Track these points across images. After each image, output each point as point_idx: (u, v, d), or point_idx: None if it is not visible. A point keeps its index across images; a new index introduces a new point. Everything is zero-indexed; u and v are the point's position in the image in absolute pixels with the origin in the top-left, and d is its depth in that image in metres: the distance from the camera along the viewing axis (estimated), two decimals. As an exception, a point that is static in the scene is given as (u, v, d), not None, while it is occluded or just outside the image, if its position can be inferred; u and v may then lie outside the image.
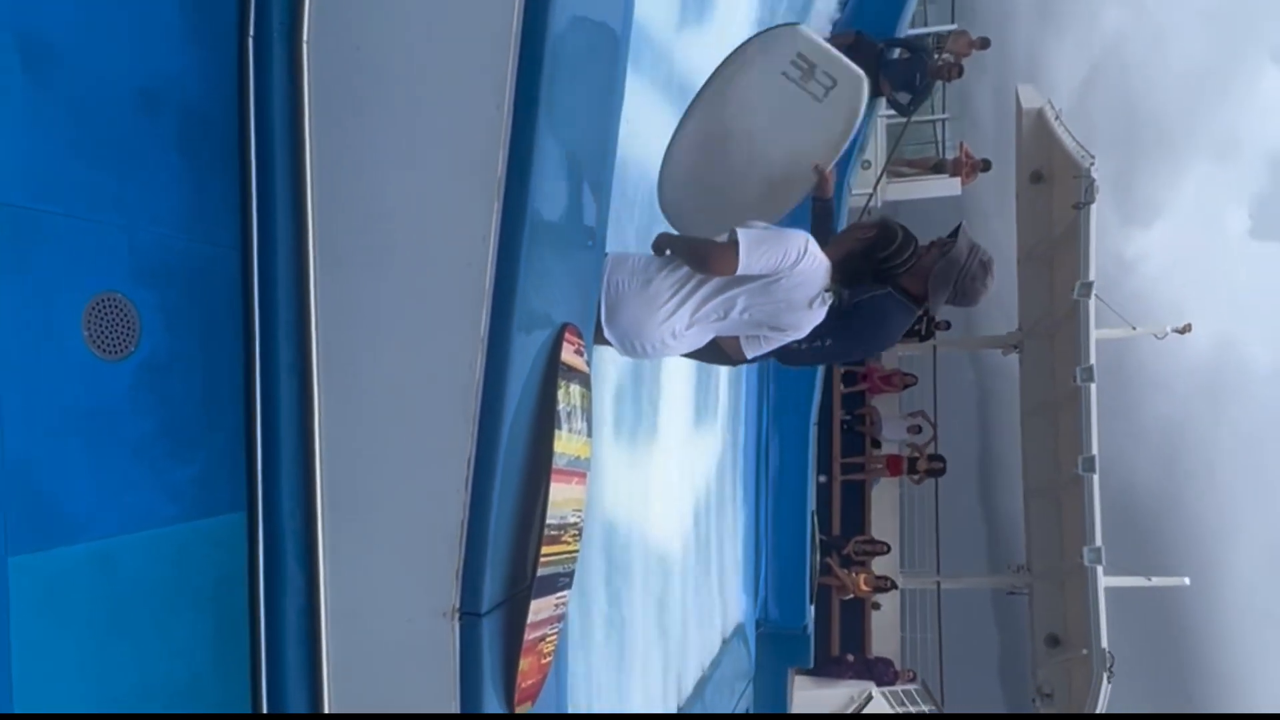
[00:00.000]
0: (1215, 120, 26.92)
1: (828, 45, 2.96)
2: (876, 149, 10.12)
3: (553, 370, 2.08)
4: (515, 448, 1.99)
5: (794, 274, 2.61)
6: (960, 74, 8.37)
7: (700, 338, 2.84)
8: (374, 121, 1.93)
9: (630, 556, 4.85)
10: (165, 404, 1.76)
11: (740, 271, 2.58)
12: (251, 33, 1.91)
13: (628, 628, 4.83)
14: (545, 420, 2.05)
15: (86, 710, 1.57)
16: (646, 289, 2.73)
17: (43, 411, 1.51)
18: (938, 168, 11.13)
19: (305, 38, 1.91)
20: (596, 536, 4.33)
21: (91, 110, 1.62)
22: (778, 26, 3.00)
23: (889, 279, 2.80)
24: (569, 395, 2.15)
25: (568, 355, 2.14)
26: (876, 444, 12.21)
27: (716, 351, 2.93)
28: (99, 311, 1.61)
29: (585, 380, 2.27)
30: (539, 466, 2.05)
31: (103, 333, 1.61)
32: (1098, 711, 9.76)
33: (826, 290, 2.72)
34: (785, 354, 2.87)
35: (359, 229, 1.95)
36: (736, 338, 2.84)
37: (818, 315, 2.75)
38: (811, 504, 8.09)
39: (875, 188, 9.64)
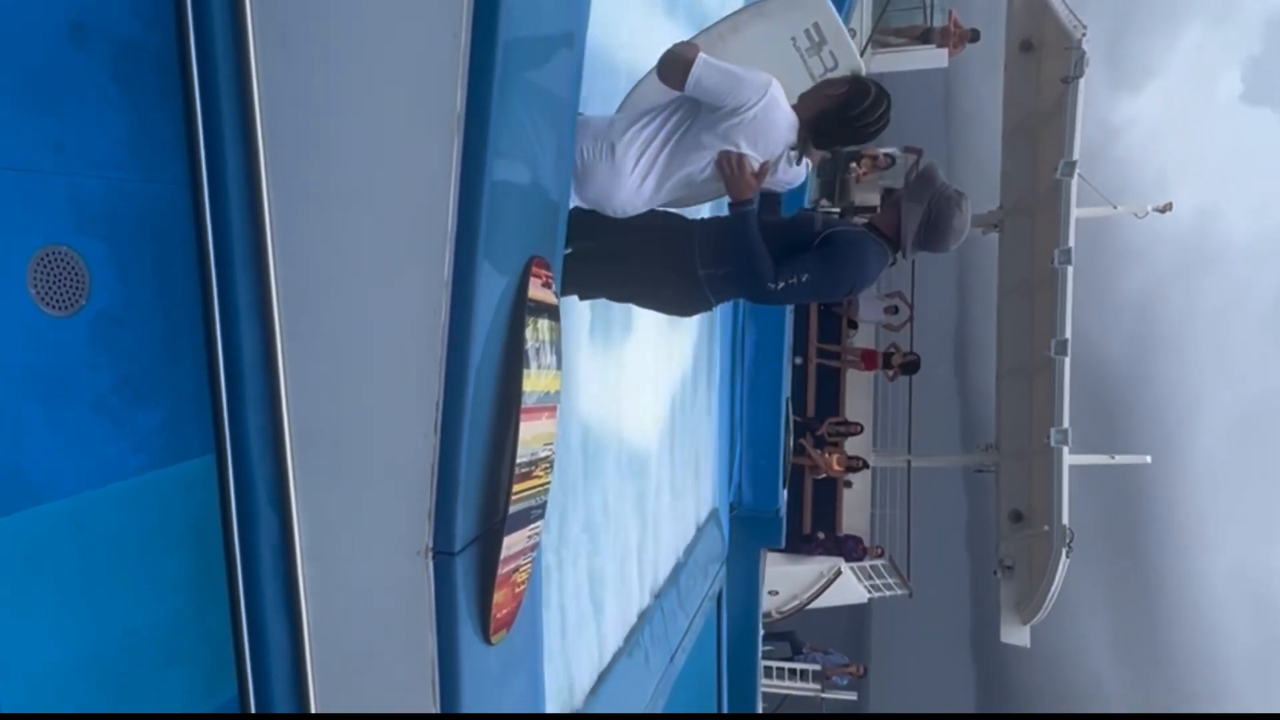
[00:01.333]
0: (1216, -21, 26.18)
1: (845, 30, 2.92)
2: (862, 15, 9.78)
3: (520, 308, 2.07)
4: (484, 389, 2.00)
5: (752, 117, 2.59)
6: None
7: (675, 192, 2.84)
8: (324, 47, 1.85)
9: (605, 448, 4.94)
10: (123, 354, 1.74)
11: (688, 89, 2.59)
12: (187, -51, 1.80)
13: (603, 518, 4.98)
14: (513, 360, 2.06)
15: (75, 684, 1.62)
16: (612, 158, 2.73)
17: (-6, 376, 1.50)
18: (925, 37, 10.81)
19: (246, -46, 1.80)
20: (573, 432, 4.40)
21: (17, 49, 1.53)
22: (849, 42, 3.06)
23: (861, 138, 2.79)
24: (537, 331, 2.15)
25: (535, 290, 2.13)
26: (853, 325, 12.33)
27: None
28: (44, 267, 1.57)
29: (554, 313, 2.26)
30: (508, 406, 2.06)
31: (50, 289, 1.58)
32: (1054, 584, 10.30)
33: (792, 148, 2.71)
34: (758, 293, 2.83)
35: (314, 162, 1.89)
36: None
37: (785, 175, 2.75)
38: (787, 390, 8.22)
39: (860, 57, 9.38)
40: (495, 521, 2.07)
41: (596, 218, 2.85)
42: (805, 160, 2.76)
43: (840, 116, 2.69)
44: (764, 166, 2.68)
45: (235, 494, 1.97)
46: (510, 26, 1.84)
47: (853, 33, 9.61)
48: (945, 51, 10.79)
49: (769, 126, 2.62)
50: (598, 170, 2.72)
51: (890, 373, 12.04)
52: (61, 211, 1.62)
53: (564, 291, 2.38)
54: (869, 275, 2.88)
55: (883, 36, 10.72)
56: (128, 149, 1.74)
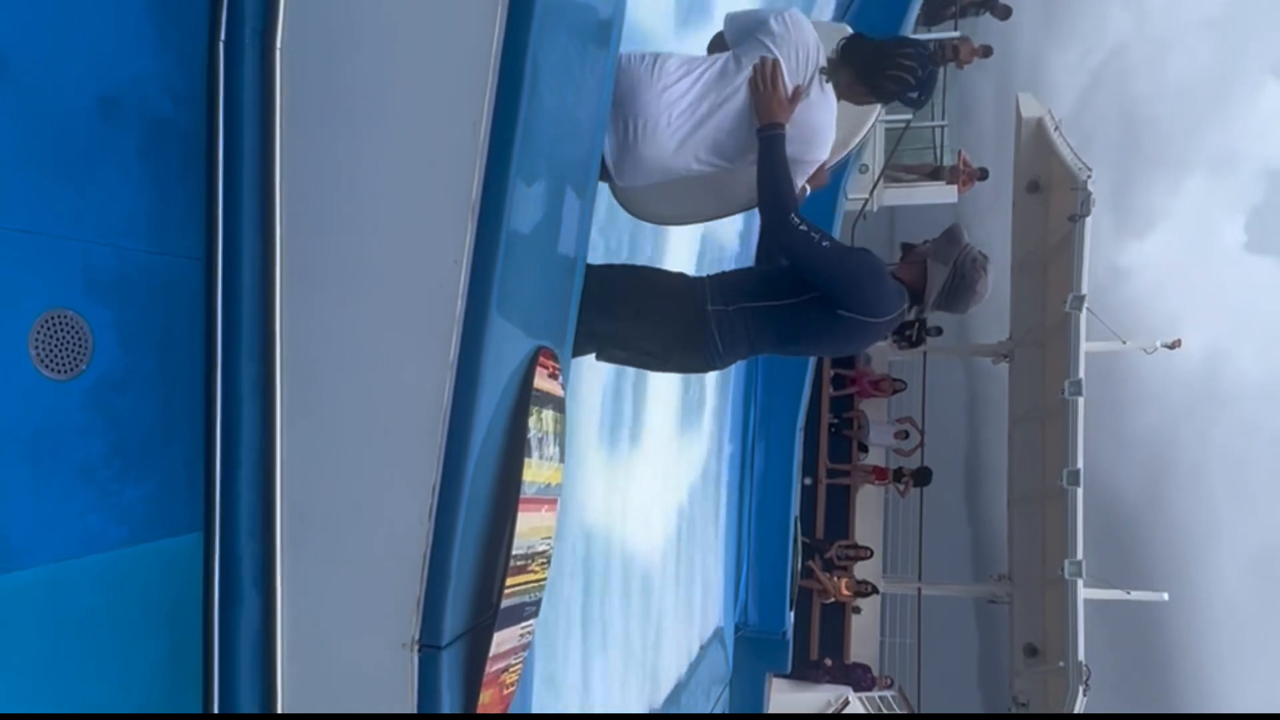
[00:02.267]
0: (1214, 132, 26.95)
1: None
2: (875, 153, 10.05)
3: (525, 396, 2.02)
4: (483, 476, 1.94)
5: (782, 30, 2.63)
6: (955, 55, 8.28)
7: (709, 138, 2.70)
8: (347, 134, 1.87)
9: (609, 559, 4.81)
10: (117, 423, 1.69)
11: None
12: (223, 36, 1.84)
13: (603, 630, 4.79)
14: (515, 448, 1.99)
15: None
16: (654, 69, 2.69)
17: (-17, 434, 1.45)
18: (935, 174, 11.08)
19: (279, 43, 1.84)
20: (576, 539, 4.29)
21: (47, 119, 1.55)
22: (836, 23, 3.08)
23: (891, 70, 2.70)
24: (541, 421, 2.09)
25: (541, 380, 2.08)
26: (864, 448, 12.19)
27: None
28: (48, 329, 1.54)
29: (559, 404, 2.21)
30: (507, 496, 1.99)
31: (51, 351, 1.55)
32: (1072, 724, 9.80)
33: (822, 71, 2.68)
34: (778, 230, 2.63)
35: (328, 244, 1.89)
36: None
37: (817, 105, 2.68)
38: (795, 509, 8.06)
39: (872, 192, 9.59)
40: (486, 616, 1.97)
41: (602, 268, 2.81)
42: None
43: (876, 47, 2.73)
44: (797, 91, 2.61)
45: (219, 575, 1.88)
46: (531, 119, 1.86)
47: (864, 169, 9.91)
48: (955, 188, 11.03)
49: (799, 41, 2.64)
50: (634, 78, 2.65)
51: (901, 485, 11.82)
52: (73, 276, 1.60)
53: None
54: (883, 299, 2.65)
55: (894, 172, 10.98)
56: (146, 221, 1.74)
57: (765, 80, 2.59)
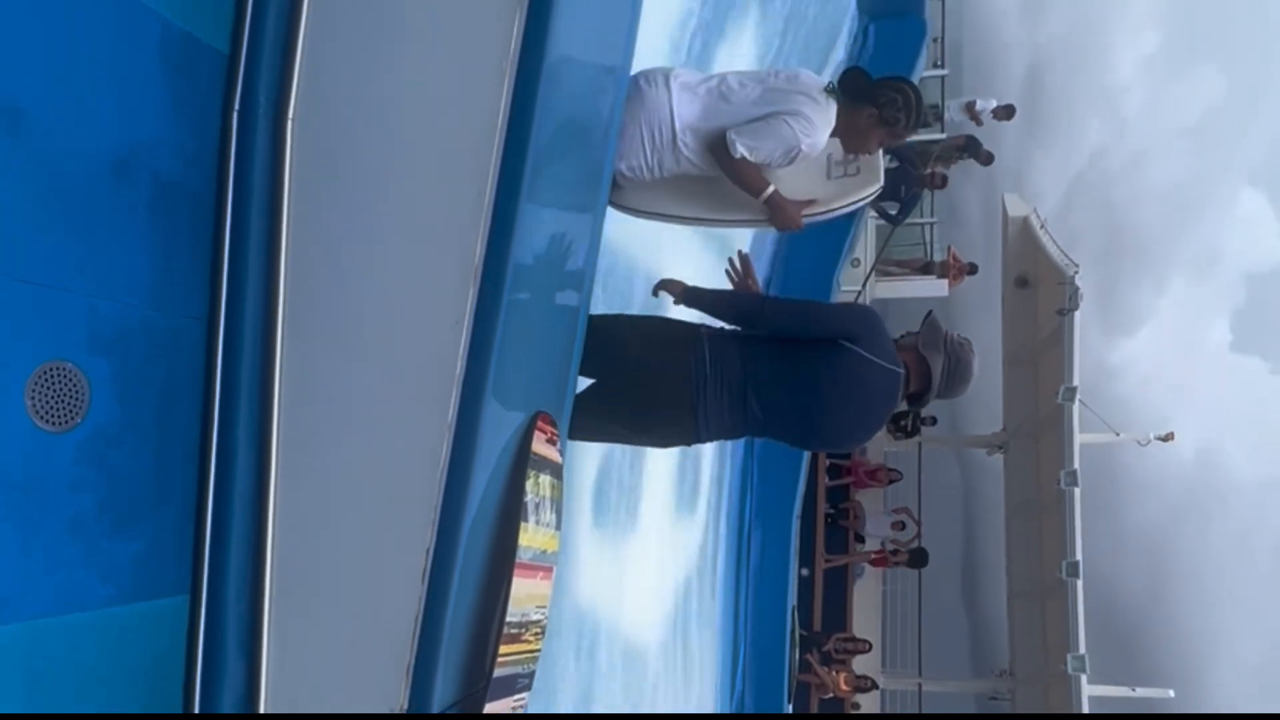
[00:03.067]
0: (1195, 236, 27.52)
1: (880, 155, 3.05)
2: (866, 248, 10.22)
3: (522, 460, 1.99)
4: (477, 540, 1.89)
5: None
6: (944, 184, 8.56)
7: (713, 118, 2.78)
8: (353, 201, 1.89)
9: (601, 645, 4.67)
10: (110, 478, 1.66)
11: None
12: (237, 107, 1.88)
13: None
14: (511, 512, 1.95)
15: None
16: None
17: (-28, 484, 1.42)
18: (926, 269, 11.25)
19: (291, 114, 1.88)
20: (568, 623, 4.17)
21: (60, 175, 1.56)
22: None
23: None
24: (538, 486, 2.05)
25: (539, 445, 2.06)
26: (860, 539, 12.01)
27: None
28: (45, 381, 1.53)
29: (557, 470, 2.18)
30: (502, 561, 1.94)
31: (47, 403, 1.53)
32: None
33: (827, 89, 2.82)
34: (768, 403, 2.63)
35: (330, 307, 1.89)
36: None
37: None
38: (792, 600, 7.89)
39: (864, 285, 9.71)
40: (478, 685, 1.89)
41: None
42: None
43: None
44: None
45: (204, 640, 1.81)
46: (534, 187, 1.88)
47: (856, 263, 10.07)
48: (945, 282, 11.17)
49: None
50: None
51: (896, 559, 11.59)
52: (75, 329, 1.59)
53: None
54: (885, 341, 2.65)
55: (885, 266, 11.14)
56: (151, 278, 1.74)
57: (738, 273, 2.84)
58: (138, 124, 1.71)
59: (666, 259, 5.17)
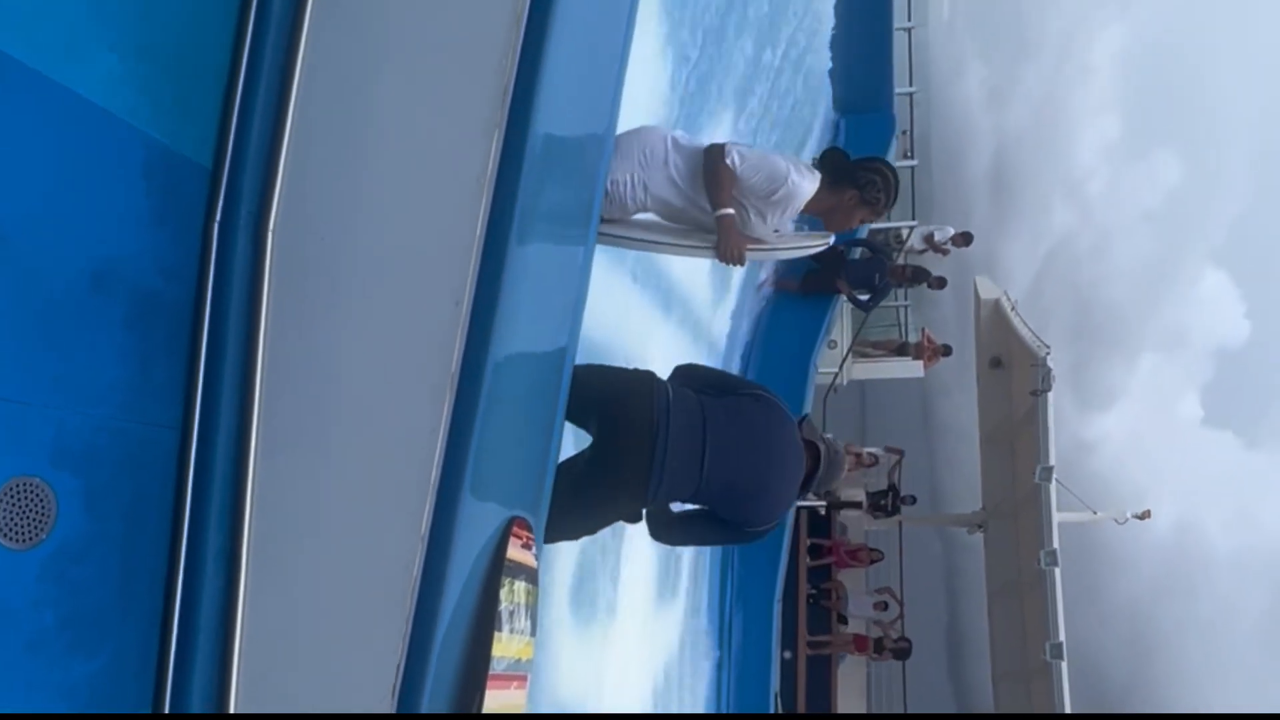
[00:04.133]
0: (1163, 314, 27.99)
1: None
2: (842, 330, 10.32)
3: (497, 568, 1.95)
4: (450, 652, 1.84)
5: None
6: (913, 276, 8.77)
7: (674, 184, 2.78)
8: (331, 310, 1.89)
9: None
10: (73, 594, 1.61)
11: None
12: (218, 219, 1.89)
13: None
14: (485, 622, 1.90)
15: None
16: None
17: (-71, 608, 1.37)
18: (901, 350, 11.34)
19: (272, 226, 1.89)
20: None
21: (36, 294, 1.55)
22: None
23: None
24: (513, 593, 2.01)
25: (514, 551, 2.02)
26: (843, 620, 11.81)
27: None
28: (11, 497, 1.49)
29: (532, 576, 2.14)
30: (475, 673, 1.88)
31: (11, 520, 1.49)
32: None
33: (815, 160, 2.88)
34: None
35: (306, 416, 1.87)
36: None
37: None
38: (775, 685, 7.71)
39: (841, 366, 9.78)
40: (448, 806, 1.82)
41: None
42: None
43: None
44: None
45: (165, 761, 1.74)
46: (511, 301, 1.89)
47: (833, 344, 10.16)
48: (921, 363, 11.26)
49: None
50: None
51: (879, 656, 11.37)
52: (44, 444, 1.56)
53: None
54: (786, 473, 2.75)
55: (862, 348, 11.24)
56: (124, 390, 1.72)
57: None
58: (117, 238, 1.71)
59: (651, 350, 5.20)
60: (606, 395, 2.65)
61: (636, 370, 2.78)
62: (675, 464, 2.59)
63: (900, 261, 9.77)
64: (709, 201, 2.75)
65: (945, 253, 10.67)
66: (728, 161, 2.70)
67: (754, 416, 2.69)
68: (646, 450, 2.56)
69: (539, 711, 3.97)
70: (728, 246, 2.77)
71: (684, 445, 2.59)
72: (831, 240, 2.99)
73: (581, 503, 2.76)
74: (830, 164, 2.97)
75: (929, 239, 10.28)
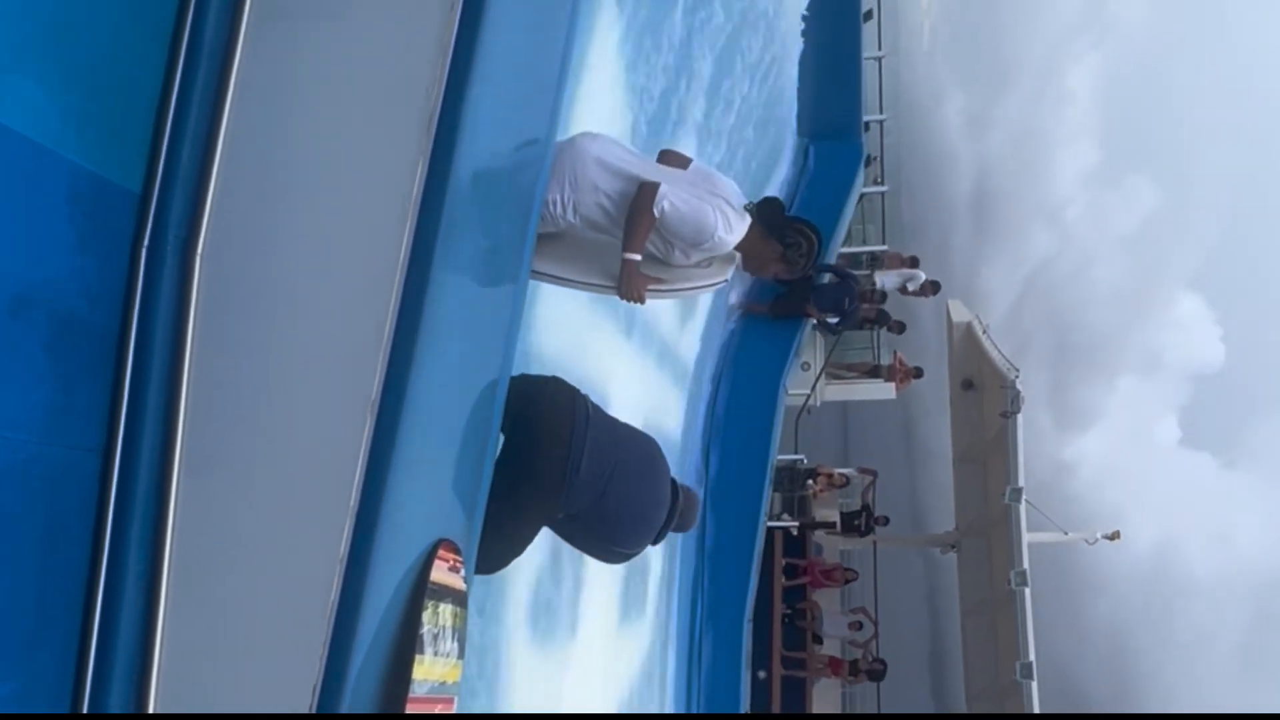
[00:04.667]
0: (1140, 338, 28.22)
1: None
2: (815, 351, 10.37)
3: (419, 591, 1.95)
4: (369, 675, 1.84)
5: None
6: (884, 300, 8.86)
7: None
8: (256, 334, 1.90)
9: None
10: (-17, 620, 1.60)
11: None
12: (146, 243, 1.90)
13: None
14: (406, 645, 1.91)
15: None
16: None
17: None
18: (874, 372, 11.40)
19: (200, 250, 1.90)
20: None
21: (-52, 317, 1.56)
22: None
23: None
24: (437, 616, 2.01)
25: (440, 574, 2.02)
26: (818, 639, 11.78)
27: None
28: (-83, 522, 1.49)
29: (460, 598, 2.14)
30: (394, 695, 1.88)
31: (-82, 544, 1.49)
32: None
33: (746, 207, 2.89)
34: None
35: (229, 440, 1.88)
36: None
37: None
38: (745, 705, 7.67)
39: (813, 387, 9.82)
40: (363, 830, 1.81)
41: None
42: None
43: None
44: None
45: (78, 785, 1.73)
46: (434, 327, 1.90)
47: (806, 366, 10.21)
48: (893, 385, 11.31)
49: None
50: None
51: (854, 678, 11.35)
52: (-47, 468, 1.56)
53: None
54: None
55: (835, 370, 11.28)
56: (44, 413, 1.72)
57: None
58: (39, 263, 1.72)
59: (616, 371, 5.21)
60: (524, 399, 2.64)
61: (554, 378, 2.80)
62: (586, 477, 2.61)
63: (872, 287, 9.87)
64: (622, 240, 2.76)
65: (928, 295, 10.76)
66: (655, 210, 2.69)
67: (650, 448, 2.81)
68: (563, 458, 2.58)
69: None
70: (629, 288, 2.81)
71: (596, 459, 2.61)
72: (729, 276, 3.00)
73: (495, 512, 2.76)
74: (765, 214, 2.99)
75: (903, 289, 10.39)
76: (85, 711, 1.75)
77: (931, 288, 10.52)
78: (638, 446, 2.78)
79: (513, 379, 2.71)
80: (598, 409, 2.75)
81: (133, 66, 1.88)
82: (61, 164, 1.75)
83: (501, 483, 2.64)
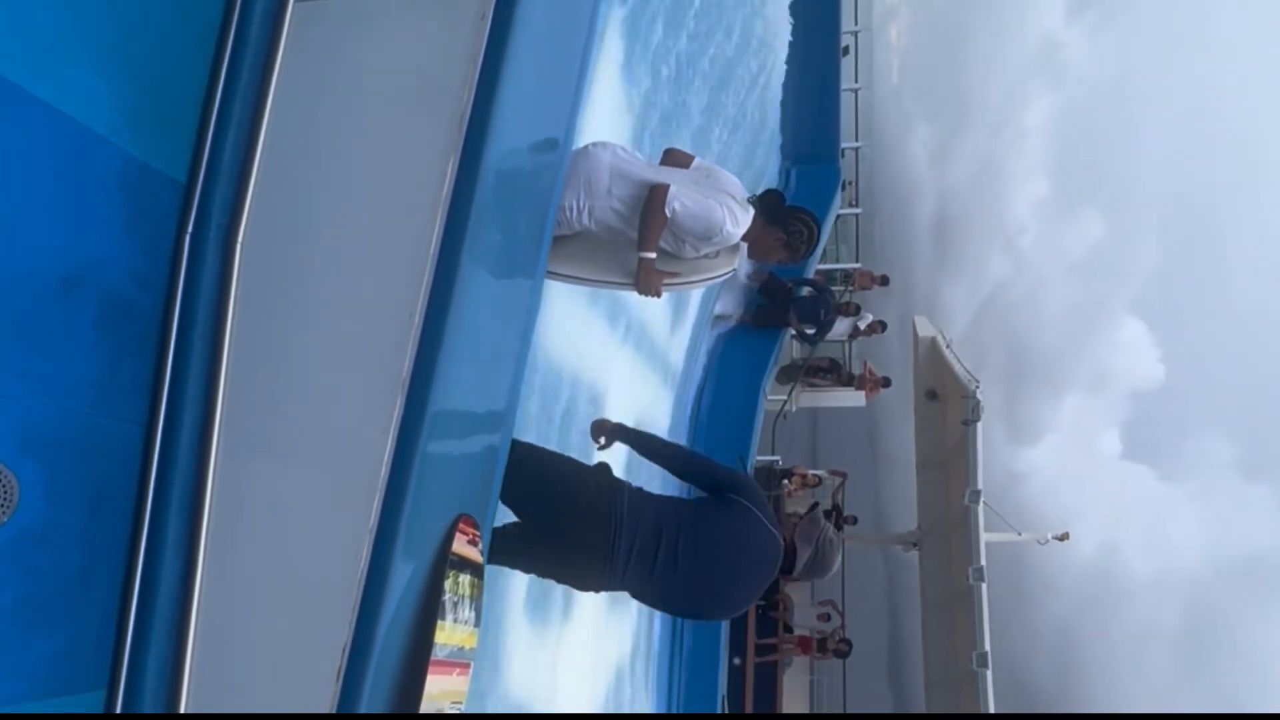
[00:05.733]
0: (1086, 358, 28.50)
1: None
2: (791, 359, 10.41)
3: (442, 561, 1.94)
4: (394, 638, 1.82)
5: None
6: (857, 312, 8.93)
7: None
8: (292, 320, 1.88)
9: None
10: (32, 577, 1.58)
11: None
12: (190, 230, 1.89)
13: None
14: (429, 611, 1.89)
15: None
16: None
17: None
18: (845, 381, 11.44)
19: (240, 239, 1.89)
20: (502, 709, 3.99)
21: (7, 293, 1.54)
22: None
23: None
24: (458, 585, 2.00)
25: (460, 546, 2.01)
26: (789, 629, 11.78)
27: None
28: (-26, 482, 1.47)
29: (477, 570, 2.13)
30: (417, 658, 1.87)
31: (-26, 504, 1.46)
32: None
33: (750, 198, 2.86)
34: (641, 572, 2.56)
35: (265, 416, 1.86)
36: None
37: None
38: (722, 688, 7.66)
39: (790, 394, 9.86)
40: (386, 782, 1.79)
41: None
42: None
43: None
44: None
45: (118, 736, 1.70)
46: (462, 313, 1.90)
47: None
48: (863, 394, 11.36)
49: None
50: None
51: (822, 655, 11.38)
52: (8, 433, 1.54)
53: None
54: (756, 490, 2.71)
55: (809, 379, 11.31)
56: (92, 387, 1.71)
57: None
58: (91, 246, 1.71)
59: (612, 372, 5.21)
60: (555, 486, 2.61)
61: (589, 466, 2.71)
62: (630, 573, 2.57)
63: (845, 300, 9.93)
64: (637, 240, 2.77)
65: (873, 333, 10.78)
66: (666, 211, 2.70)
67: (719, 527, 2.61)
68: (601, 554, 2.54)
69: (493, 712, 3.92)
70: (646, 284, 2.82)
71: (638, 554, 2.55)
72: (736, 266, 3.02)
73: (537, 563, 2.74)
74: (767, 205, 3.01)
75: (854, 332, 10.44)
76: (126, 667, 1.72)
77: (880, 326, 10.59)
78: (704, 532, 2.59)
79: (532, 450, 2.71)
80: (642, 493, 2.66)
81: (181, 64, 1.87)
82: (114, 151, 1.74)
83: (558, 550, 2.62)
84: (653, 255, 2.76)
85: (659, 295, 2.85)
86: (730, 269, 3.00)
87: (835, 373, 10.27)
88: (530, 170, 2.24)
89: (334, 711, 1.71)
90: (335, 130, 1.94)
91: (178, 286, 1.87)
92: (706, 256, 2.91)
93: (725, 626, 7.75)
